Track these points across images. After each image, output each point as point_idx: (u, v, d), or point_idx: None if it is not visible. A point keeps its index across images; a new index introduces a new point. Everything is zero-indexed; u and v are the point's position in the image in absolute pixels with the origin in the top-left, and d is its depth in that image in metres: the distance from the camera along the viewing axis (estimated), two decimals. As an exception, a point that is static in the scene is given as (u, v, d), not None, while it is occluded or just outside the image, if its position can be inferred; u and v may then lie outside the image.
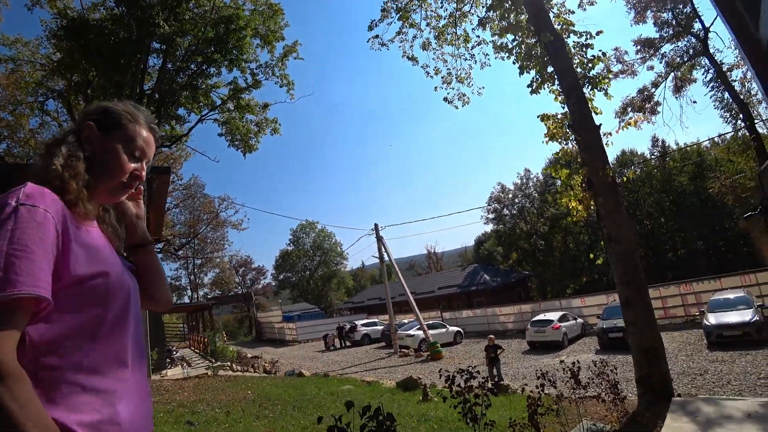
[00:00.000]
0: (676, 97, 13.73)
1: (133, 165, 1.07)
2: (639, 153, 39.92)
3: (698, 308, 15.67)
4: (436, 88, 10.83)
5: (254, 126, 18.64)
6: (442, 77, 10.81)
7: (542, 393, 4.55)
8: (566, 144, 7.28)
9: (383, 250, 20.10)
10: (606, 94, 7.32)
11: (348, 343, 26.14)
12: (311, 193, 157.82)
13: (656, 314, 18.61)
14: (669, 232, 38.30)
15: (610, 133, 6.83)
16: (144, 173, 1.10)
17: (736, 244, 35.00)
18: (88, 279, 0.90)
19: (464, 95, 11.03)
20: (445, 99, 11.13)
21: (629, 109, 14.45)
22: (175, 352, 20.08)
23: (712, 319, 12.32)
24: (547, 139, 7.43)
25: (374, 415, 2.73)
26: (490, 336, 11.33)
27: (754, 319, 11.62)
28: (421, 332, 19.40)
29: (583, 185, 6.82)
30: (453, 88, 10.85)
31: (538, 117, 7.42)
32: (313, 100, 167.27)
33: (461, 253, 65.26)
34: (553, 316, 16.92)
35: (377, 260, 21.59)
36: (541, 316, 17.55)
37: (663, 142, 39.29)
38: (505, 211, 42.72)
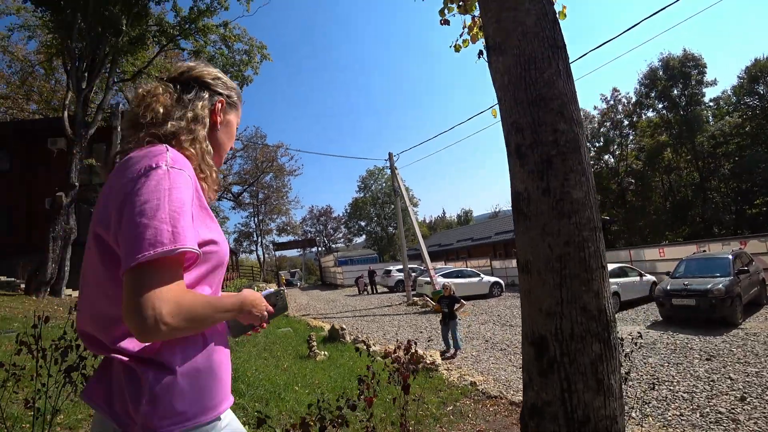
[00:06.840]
0: None
1: None
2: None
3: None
4: None
5: (245, 55, 17.47)
6: None
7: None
8: None
9: (396, 181, 17.00)
10: None
11: (385, 288, 24.28)
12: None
13: None
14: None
15: None
16: None
17: None
18: (204, 245, 0.88)
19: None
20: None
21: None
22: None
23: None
24: None
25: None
26: (445, 284, 7.88)
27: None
28: (443, 280, 16.37)
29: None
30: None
31: None
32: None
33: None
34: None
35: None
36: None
37: None
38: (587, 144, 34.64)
